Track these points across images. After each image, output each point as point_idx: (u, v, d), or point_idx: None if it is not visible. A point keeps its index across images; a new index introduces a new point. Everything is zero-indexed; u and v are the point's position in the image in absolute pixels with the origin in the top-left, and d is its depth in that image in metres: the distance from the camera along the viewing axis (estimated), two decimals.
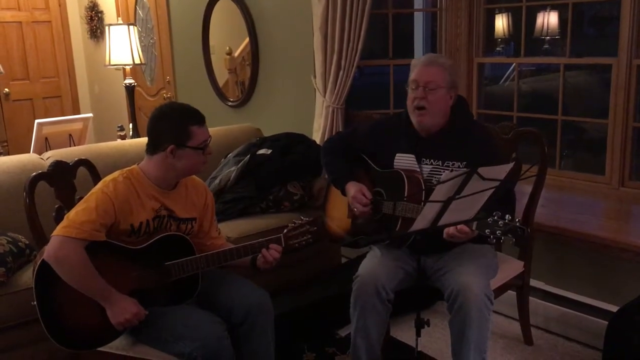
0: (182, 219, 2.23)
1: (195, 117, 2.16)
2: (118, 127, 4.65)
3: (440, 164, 2.40)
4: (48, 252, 2.00)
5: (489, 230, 1.99)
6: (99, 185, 2.13)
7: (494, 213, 2.00)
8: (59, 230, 2.02)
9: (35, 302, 2.04)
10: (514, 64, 3.99)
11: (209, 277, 2.25)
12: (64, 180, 2.40)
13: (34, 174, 2.35)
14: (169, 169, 2.15)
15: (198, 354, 2.01)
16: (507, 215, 1.98)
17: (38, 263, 2.05)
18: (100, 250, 2.05)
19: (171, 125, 2.13)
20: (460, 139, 2.39)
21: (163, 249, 2.14)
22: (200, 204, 2.32)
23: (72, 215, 2.04)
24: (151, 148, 2.16)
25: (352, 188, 2.51)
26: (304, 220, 2.28)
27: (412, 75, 2.41)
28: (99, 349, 2.15)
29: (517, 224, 1.95)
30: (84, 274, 2.01)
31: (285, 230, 2.25)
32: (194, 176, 2.35)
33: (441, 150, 2.40)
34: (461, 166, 2.34)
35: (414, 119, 2.42)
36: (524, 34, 3.62)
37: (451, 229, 2.12)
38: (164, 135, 2.13)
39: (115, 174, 2.16)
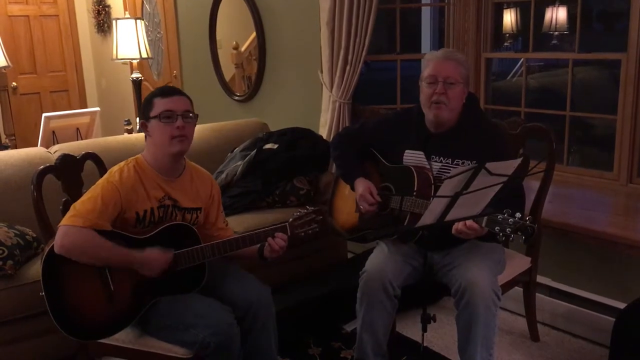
0: (186, 209, 2.24)
1: (162, 90, 2.18)
2: (125, 121, 4.66)
3: (450, 162, 2.39)
4: (56, 243, 2.01)
5: (498, 228, 1.98)
6: (106, 175, 2.17)
7: (504, 211, 1.99)
8: (65, 220, 2.04)
9: (43, 293, 2.05)
10: (522, 59, 3.97)
11: (211, 271, 2.26)
12: (72, 174, 2.40)
13: (41, 167, 2.35)
14: (152, 150, 2.17)
15: (212, 340, 2.02)
16: (517, 214, 1.97)
17: (45, 253, 2.06)
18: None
19: (143, 103, 2.19)
20: (470, 137, 2.37)
21: (169, 238, 2.15)
22: (205, 194, 2.32)
23: (78, 205, 2.07)
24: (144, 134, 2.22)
25: (361, 186, 2.50)
26: (310, 209, 2.27)
27: (429, 70, 2.37)
28: (107, 341, 2.17)
29: (527, 222, 1.94)
30: (98, 253, 2.03)
31: (290, 219, 2.25)
32: (199, 167, 2.37)
33: (451, 148, 2.39)
34: (470, 164, 2.33)
35: (430, 113, 2.38)
36: (532, 29, 3.60)
37: (460, 225, 2.10)
38: (139, 115, 2.21)
39: (121, 163, 2.19)
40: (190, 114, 2.17)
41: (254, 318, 2.21)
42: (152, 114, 2.13)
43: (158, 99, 2.14)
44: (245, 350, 2.22)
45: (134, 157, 2.21)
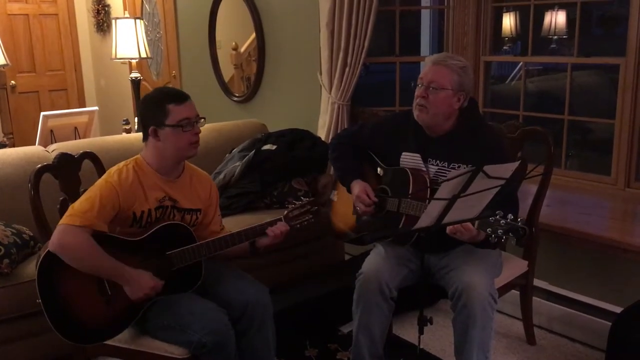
0: (186, 210, 2.24)
1: (173, 96, 2.15)
2: (123, 120, 4.65)
3: (446, 165, 2.39)
4: (52, 241, 2.01)
5: (490, 229, 1.99)
6: (104, 175, 2.17)
7: (497, 212, 2.00)
8: (63, 219, 2.04)
9: (39, 300, 2.04)
10: (521, 63, 3.97)
11: (206, 272, 2.25)
12: (69, 173, 2.40)
13: (39, 166, 2.35)
14: (160, 153, 2.16)
15: (207, 340, 2.02)
16: (509, 215, 1.97)
17: (41, 257, 2.05)
18: (101, 244, 2.05)
19: (150, 107, 2.17)
20: (467, 141, 2.37)
21: (164, 238, 2.15)
22: (205, 195, 2.32)
23: (76, 204, 2.07)
24: (143, 135, 2.19)
25: (357, 187, 2.50)
26: (305, 200, 2.28)
27: (421, 72, 2.40)
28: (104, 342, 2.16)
29: (520, 223, 1.94)
30: (91, 257, 2.02)
31: (285, 212, 2.25)
32: (198, 168, 2.37)
33: (448, 152, 2.39)
34: (467, 169, 2.33)
35: (414, 114, 2.41)
36: (531, 33, 3.60)
37: (455, 225, 2.11)
38: (146, 119, 2.17)
39: (120, 164, 2.18)
40: (200, 118, 2.19)
41: (251, 319, 2.20)
42: (169, 121, 2.11)
43: (173, 106, 2.11)
44: (240, 350, 2.22)
45: (133, 158, 2.21)
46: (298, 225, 2.26)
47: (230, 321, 2.16)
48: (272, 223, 2.22)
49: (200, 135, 2.20)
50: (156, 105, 2.14)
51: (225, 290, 2.24)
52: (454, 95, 2.34)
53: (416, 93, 2.39)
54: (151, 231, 2.14)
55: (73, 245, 2.00)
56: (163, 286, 2.14)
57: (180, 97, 2.15)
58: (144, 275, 2.08)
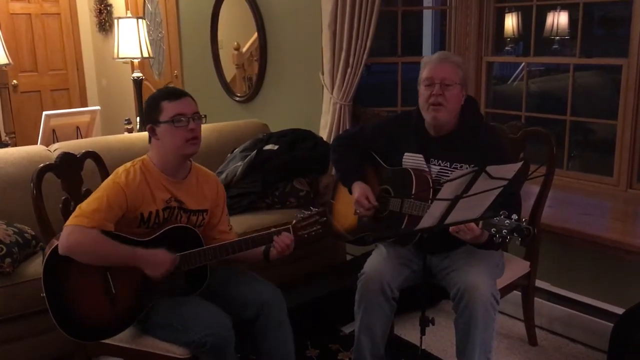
0: (192, 211, 2.23)
1: (168, 93, 2.16)
2: (125, 120, 4.66)
3: (449, 165, 2.39)
4: (61, 243, 2.01)
5: (495, 229, 1.99)
6: (111, 175, 2.16)
7: (501, 212, 2.00)
8: (70, 220, 2.04)
9: (44, 294, 2.04)
10: (523, 64, 3.97)
11: (219, 274, 2.25)
12: (71, 172, 2.40)
13: (41, 165, 2.35)
14: (162, 152, 2.16)
15: (208, 340, 2.01)
16: (513, 215, 1.97)
17: (47, 254, 2.05)
18: None
19: (147, 107, 2.18)
20: (469, 140, 2.37)
21: (171, 240, 2.14)
22: (211, 195, 2.31)
23: (83, 205, 2.07)
24: (148, 136, 2.20)
25: (357, 190, 2.50)
26: (313, 210, 2.26)
27: (426, 72, 2.38)
28: (105, 341, 2.16)
29: (524, 223, 1.94)
30: (103, 249, 2.02)
31: (294, 221, 2.24)
32: (204, 168, 2.36)
33: (450, 152, 2.39)
34: (469, 168, 2.33)
35: (428, 115, 2.38)
36: (533, 33, 3.60)
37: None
38: (146, 118, 2.19)
39: (127, 164, 2.18)
40: (199, 115, 2.18)
41: (267, 317, 2.21)
42: (162, 118, 2.11)
43: (166, 103, 2.12)
44: (261, 351, 2.23)
45: (140, 158, 2.20)
46: (306, 236, 2.23)
47: (244, 322, 2.18)
48: (279, 232, 2.21)
49: (201, 135, 2.19)
50: (153, 103, 2.16)
51: (240, 291, 2.25)
52: (461, 89, 2.37)
53: (427, 93, 2.35)
54: (159, 233, 2.13)
55: (82, 243, 2.00)
56: (169, 288, 2.14)
57: (174, 94, 2.16)
58: (159, 253, 2.08)
